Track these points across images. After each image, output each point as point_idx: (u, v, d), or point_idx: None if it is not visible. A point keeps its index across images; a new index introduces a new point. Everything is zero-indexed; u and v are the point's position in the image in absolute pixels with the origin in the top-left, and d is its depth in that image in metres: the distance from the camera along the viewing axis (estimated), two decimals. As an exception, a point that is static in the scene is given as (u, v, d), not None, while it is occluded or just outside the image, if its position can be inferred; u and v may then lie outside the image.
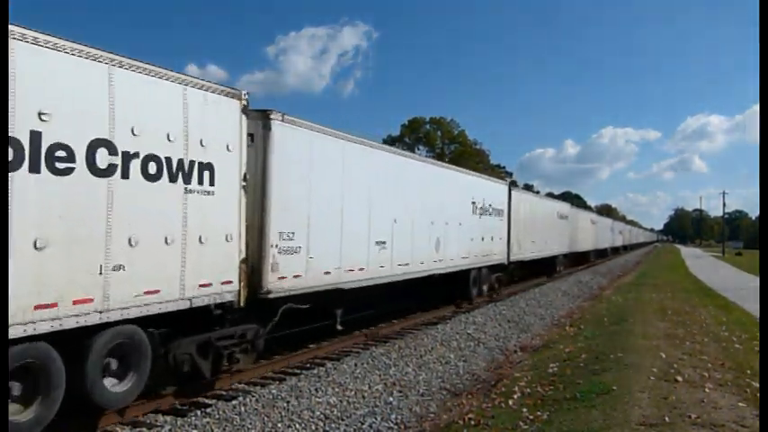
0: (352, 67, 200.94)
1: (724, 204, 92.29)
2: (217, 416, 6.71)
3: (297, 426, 6.68)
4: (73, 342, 5.85)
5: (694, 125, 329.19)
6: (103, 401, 6.29)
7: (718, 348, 10.36)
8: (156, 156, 6.50)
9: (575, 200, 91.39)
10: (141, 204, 6.33)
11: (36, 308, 5.36)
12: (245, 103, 7.85)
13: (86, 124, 5.78)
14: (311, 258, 9.38)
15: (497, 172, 73.28)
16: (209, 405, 7.25)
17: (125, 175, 6.15)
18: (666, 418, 5.90)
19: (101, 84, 5.94)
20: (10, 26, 5.09)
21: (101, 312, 5.95)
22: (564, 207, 32.08)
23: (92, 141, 5.81)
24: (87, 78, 5.83)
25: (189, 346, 7.34)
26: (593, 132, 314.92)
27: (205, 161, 7.12)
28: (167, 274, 6.67)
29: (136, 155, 6.27)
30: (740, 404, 6.56)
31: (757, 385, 7.19)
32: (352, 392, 8.01)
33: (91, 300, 5.84)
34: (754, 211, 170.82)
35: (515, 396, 7.50)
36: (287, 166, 8.86)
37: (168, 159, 6.64)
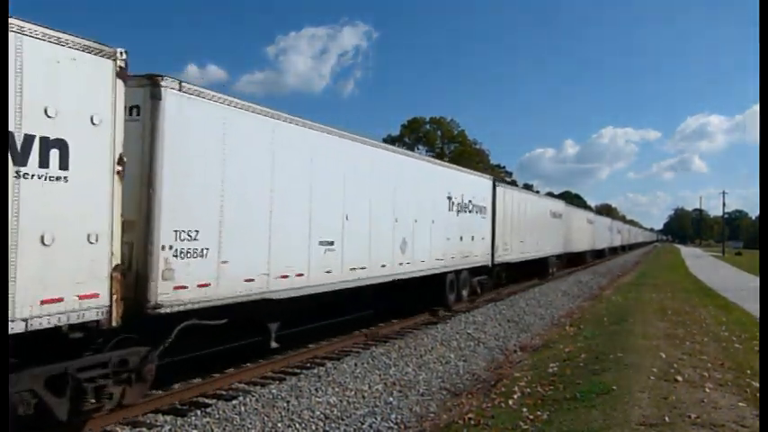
0: (352, 67, 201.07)
1: (724, 204, 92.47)
2: (217, 415, 6.71)
3: (297, 425, 6.69)
4: None
5: (694, 125, 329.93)
6: None
7: (718, 348, 10.36)
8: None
9: (575, 200, 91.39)
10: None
11: None
12: (121, 65, 6.01)
13: None
14: (225, 263, 7.62)
15: (497, 172, 73.28)
16: (209, 405, 7.25)
17: None
18: (666, 418, 5.90)
19: None
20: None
21: None
22: (557, 205, 30.46)
23: None
24: None
25: (30, 382, 5.65)
26: (593, 132, 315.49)
27: (53, 137, 5.39)
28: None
29: None
30: (740, 404, 6.57)
31: (757, 385, 7.20)
32: (352, 392, 8.01)
33: None
34: (754, 211, 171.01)
35: (515, 396, 7.50)
36: (187, 147, 7.07)
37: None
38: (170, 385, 8.26)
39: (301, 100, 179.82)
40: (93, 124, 5.81)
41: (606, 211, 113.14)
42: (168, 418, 7.00)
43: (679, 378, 7.63)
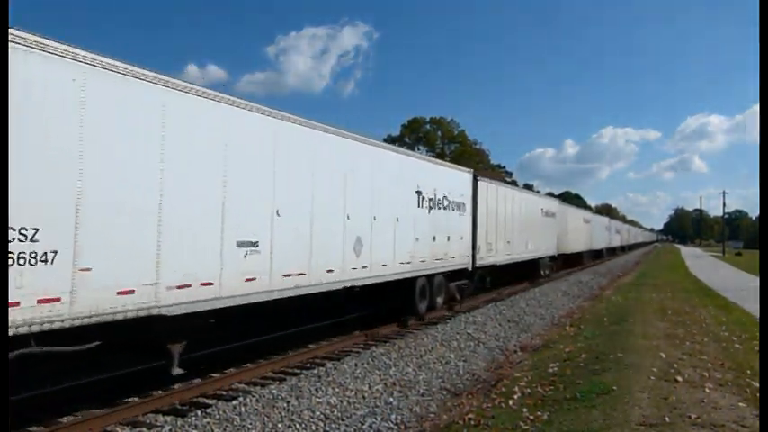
0: (352, 67, 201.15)
1: (724, 204, 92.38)
2: (217, 416, 6.70)
3: (297, 426, 6.68)
4: None
5: (694, 125, 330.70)
6: None
7: (718, 348, 10.36)
8: None
9: (575, 200, 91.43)
10: None
11: None
12: None
13: None
14: (86, 271, 6.01)
15: (497, 172, 73.27)
16: (210, 405, 7.25)
17: None
18: (666, 418, 5.90)
19: None
20: None
21: None
22: (550, 203, 28.79)
23: None
24: None
25: None
26: (593, 132, 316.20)
27: None
28: None
29: None
30: (740, 404, 6.56)
31: (757, 385, 7.19)
32: (353, 392, 8.01)
33: None
34: (754, 211, 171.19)
35: (515, 396, 7.49)
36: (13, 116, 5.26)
37: None
38: (170, 385, 8.27)
39: (301, 100, 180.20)
40: None
41: (606, 211, 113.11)
42: (168, 418, 7.01)
43: (679, 378, 7.63)
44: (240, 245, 8.07)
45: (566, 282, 25.86)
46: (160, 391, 7.94)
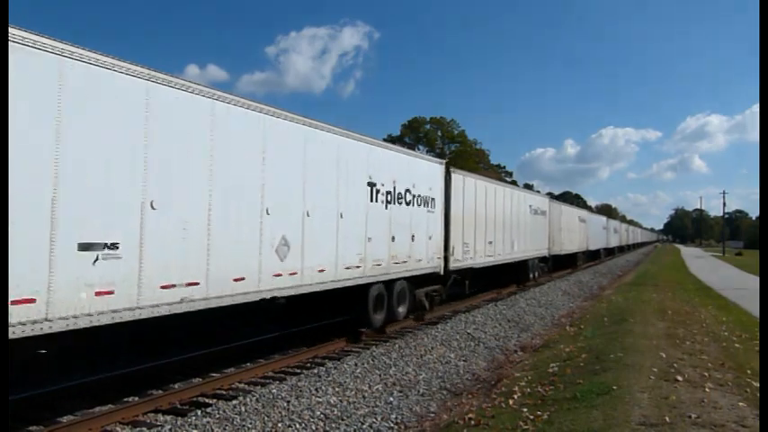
0: (352, 67, 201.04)
1: (724, 204, 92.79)
2: (217, 415, 6.70)
3: (297, 425, 6.68)
4: None
5: (694, 125, 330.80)
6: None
7: (719, 348, 10.36)
8: None
9: (575, 200, 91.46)
10: None
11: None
12: None
13: None
14: None
15: (497, 172, 73.31)
16: (210, 404, 7.25)
17: None
18: (667, 418, 5.89)
19: None
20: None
21: None
22: (540, 200, 26.75)
23: None
24: None
25: None
26: (593, 132, 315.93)
27: None
28: None
29: None
30: (740, 404, 6.56)
31: (757, 385, 7.19)
32: (353, 392, 8.00)
33: None
34: (754, 211, 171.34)
35: (515, 396, 7.49)
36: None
37: None
38: (170, 385, 8.28)
39: (301, 100, 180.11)
40: None
41: (606, 210, 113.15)
42: (168, 417, 7.01)
43: (679, 378, 7.62)
44: (85, 248, 6.09)
45: (566, 282, 25.85)
46: (160, 391, 7.95)
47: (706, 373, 8.06)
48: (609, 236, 52.27)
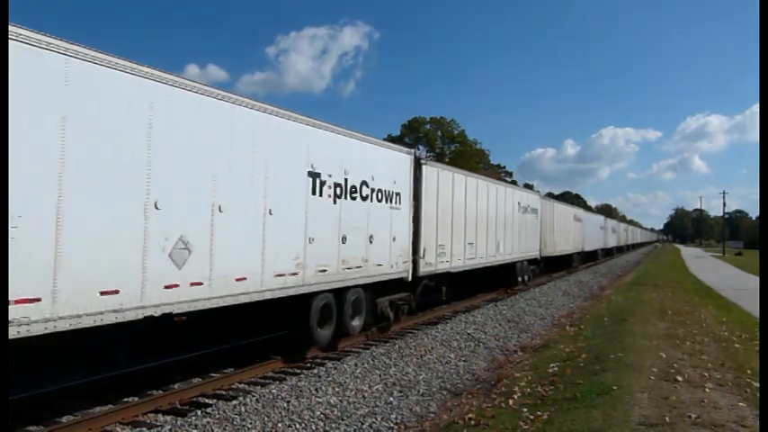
0: (352, 67, 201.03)
1: (724, 204, 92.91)
2: (217, 415, 6.70)
3: (297, 425, 6.68)
4: None
5: (694, 125, 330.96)
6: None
7: (719, 348, 10.36)
8: None
9: (575, 200, 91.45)
10: None
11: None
12: None
13: None
14: None
15: (497, 172, 73.35)
16: (210, 405, 7.25)
17: None
18: (666, 418, 5.90)
19: None
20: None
21: None
22: (530, 197, 24.39)
23: None
24: None
25: None
26: (593, 132, 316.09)
27: None
28: None
29: None
30: (740, 404, 6.56)
31: (757, 385, 7.19)
32: (353, 392, 8.01)
33: None
34: (754, 211, 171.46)
35: (515, 396, 7.49)
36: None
37: None
38: (170, 385, 8.28)
39: (301, 100, 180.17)
40: None
41: (606, 210, 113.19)
42: (168, 418, 7.01)
43: (679, 378, 7.63)
44: None
45: (566, 282, 25.85)
46: (160, 391, 7.95)
47: (706, 374, 8.06)
48: (607, 236, 50.54)
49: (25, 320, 5.47)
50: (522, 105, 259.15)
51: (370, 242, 11.25)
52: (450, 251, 14.94)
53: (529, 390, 7.80)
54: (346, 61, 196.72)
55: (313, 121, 9.73)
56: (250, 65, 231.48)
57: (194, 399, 7.74)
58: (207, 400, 7.64)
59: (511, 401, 7.25)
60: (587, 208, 62.27)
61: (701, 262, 51.57)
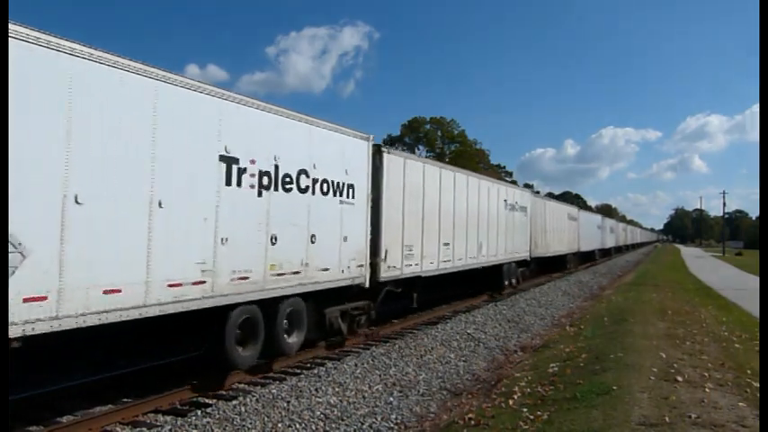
0: (352, 67, 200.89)
1: (724, 204, 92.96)
2: (217, 415, 6.70)
3: (297, 426, 6.68)
4: None
5: (694, 125, 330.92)
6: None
7: (719, 348, 10.36)
8: None
9: (575, 200, 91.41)
10: None
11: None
12: None
13: None
14: None
15: (497, 172, 73.35)
16: (210, 405, 7.25)
17: None
18: (666, 419, 5.90)
19: None
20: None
21: None
22: (519, 195, 22.70)
23: None
24: None
25: None
26: (593, 132, 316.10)
27: None
28: None
29: None
30: (740, 404, 6.56)
31: (757, 385, 7.19)
32: (353, 392, 8.01)
33: None
34: (754, 211, 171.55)
35: (515, 396, 7.49)
36: None
37: None
38: (170, 385, 8.26)
39: (301, 100, 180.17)
40: None
41: (606, 210, 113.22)
42: (168, 418, 7.01)
43: (679, 378, 7.63)
44: None
45: (566, 282, 25.85)
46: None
47: (706, 374, 8.06)
48: (604, 236, 48.38)
49: None
50: (522, 105, 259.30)
51: (312, 242, 9.47)
52: (421, 253, 13.28)
53: (529, 390, 7.80)
54: (346, 61, 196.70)
55: (226, 92, 7.88)
56: (250, 65, 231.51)
57: (194, 399, 7.75)
58: (207, 400, 7.65)
59: (511, 401, 7.25)
60: (587, 208, 62.03)
61: (701, 262, 51.57)
